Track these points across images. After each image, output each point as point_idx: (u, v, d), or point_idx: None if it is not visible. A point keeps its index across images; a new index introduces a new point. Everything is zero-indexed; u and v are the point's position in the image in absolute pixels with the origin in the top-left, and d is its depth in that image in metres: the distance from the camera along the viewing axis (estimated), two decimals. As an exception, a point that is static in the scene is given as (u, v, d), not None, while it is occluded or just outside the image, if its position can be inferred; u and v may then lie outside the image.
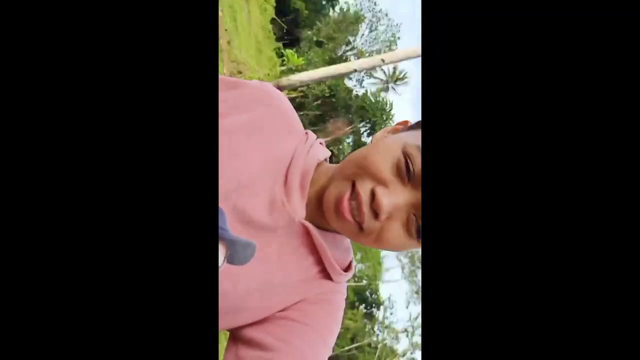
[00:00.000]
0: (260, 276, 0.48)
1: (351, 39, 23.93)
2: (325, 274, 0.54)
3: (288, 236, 0.50)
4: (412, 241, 0.47)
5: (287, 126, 0.55)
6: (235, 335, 0.50)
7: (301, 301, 0.52)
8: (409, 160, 0.44)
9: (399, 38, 24.44)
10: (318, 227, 0.51)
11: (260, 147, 0.51)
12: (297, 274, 0.52)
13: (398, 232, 0.46)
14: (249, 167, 0.49)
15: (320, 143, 0.56)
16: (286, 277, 0.51)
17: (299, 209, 0.50)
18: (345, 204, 0.45)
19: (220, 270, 0.35)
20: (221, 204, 0.42)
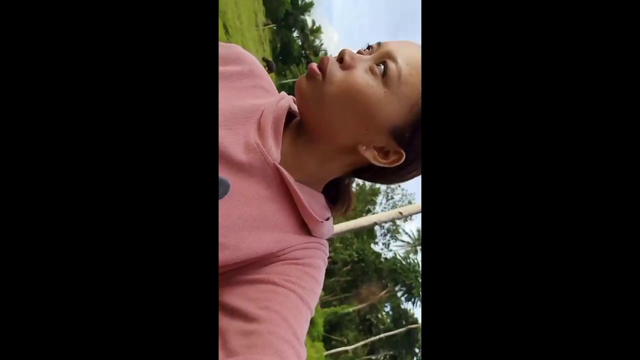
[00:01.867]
0: (237, 211, 0.49)
1: (371, 207, 25.64)
2: (304, 228, 0.54)
3: (264, 179, 0.50)
4: (376, 81, 0.48)
5: (259, 85, 0.58)
6: (221, 302, 0.49)
7: (281, 261, 0.51)
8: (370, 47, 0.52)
9: (414, 200, 26.12)
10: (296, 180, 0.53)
11: (235, 96, 0.54)
12: (274, 219, 0.51)
13: (361, 73, 0.48)
14: (225, 110, 0.52)
15: (294, 100, 0.57)
16: (264, 219, 0.51)
17: (273, 152, 0.50)
18: (314, 65, 0.49)
19: None
20: None
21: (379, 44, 0.52)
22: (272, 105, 0.53)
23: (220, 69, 0.55)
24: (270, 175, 0.50)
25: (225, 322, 0.45)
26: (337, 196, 0.61)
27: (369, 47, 0.53)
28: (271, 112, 0.52)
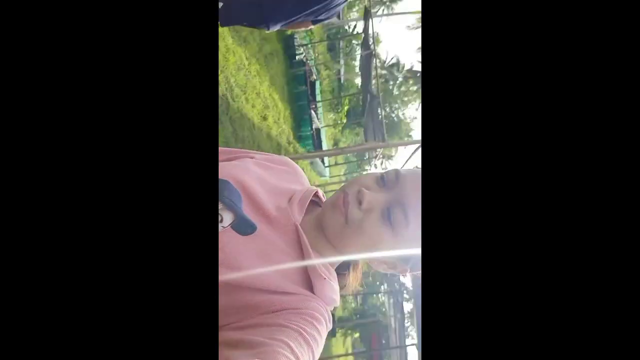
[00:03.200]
0: (255, 247, 0.55)
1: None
2: (308, 285, 0.58)
3: (284, 235, 0.58)
4: (386, 228, 0.56)
5: (299, 181, 0.72)
6: (222, 341, 0.50)
7: (285, 309, 0.53)
8: (384, 176, 0.60)
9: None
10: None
11: (277, 179, 0.68)
12: (281, 262, 0.56)
13: (375, 221, 0.56)
14: (270, 185, 0.65)
15: (322, 194, 0.69)
16: (272, 259, 0.56)
17: (296, 215, 0.60)
18: (341, 198, 0.59)
19: (221, 228, 0.52)
20: (243, 193, 0.58)
21: (396, 174, 0.59)
22: (303, 189, 0.67)
23: (270, 164, 0.71)
24: (289, 233, 0.59)
25: (227, 354, 0.45)
26: (349, 271, 0.69)
27: (382, 178, 0.61)
28: (301, 192, 0.65)
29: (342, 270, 0.68)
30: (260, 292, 0.53)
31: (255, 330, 0.49)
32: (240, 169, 0.64)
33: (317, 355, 0.51)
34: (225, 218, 0.52)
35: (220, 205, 0.52)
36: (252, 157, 0.72)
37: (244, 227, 0.52)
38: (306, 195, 0.64)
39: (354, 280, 0.70)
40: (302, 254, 0.58)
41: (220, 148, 0.74)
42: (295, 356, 0.45)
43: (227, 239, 0.54)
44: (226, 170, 0.62)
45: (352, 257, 0.63)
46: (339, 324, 17.40)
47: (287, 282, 0.55)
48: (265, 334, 0.48)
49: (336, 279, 0.62)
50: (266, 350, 0.44)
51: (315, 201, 0.68)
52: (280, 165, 0.73)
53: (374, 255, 0.60)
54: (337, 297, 0.61)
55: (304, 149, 8.46)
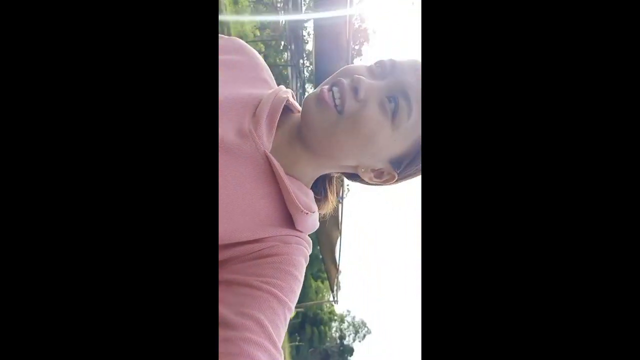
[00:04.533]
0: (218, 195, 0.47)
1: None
2: (287, 222, 0.53)
3: (253, 167, 0.49)
4: (386, 120, 0.49)
5: (260, 76, 0.58)
6: None
7: (258, 258, 0.49)
8: (377, 64, 0.51)
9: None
10: (285, 171, 0.52)
11: (233, 84, 0.54)
12: (256, 207, 0.50)
13: (374, 110, 0.48)
14: (223, 97, 0.51)
15: (293, 96, 0.58)
16: (240, 205, 0.49)
17: (265, 141, 0.50)
18: (326, 91, 0.48)
19: None
20: None
21: (392, 63, 0.51)
22: (270, 96, 0.52)
23: (221, 57, 0.55)
24: (259, 163, 0.50)
25: None
26: (325, 191, 0.61)
27: (375, 67, 0.52)
28: (268, 103, 0.51)
29: (317, 190, 0.59)
30: (231, 246, 0.48)
31: (228, 295, 0.45)
32: None
33: (295, 302, 0.49)
34: None
35: None
36: None
37: None
38: (274, 107, 0.52)
39: (331, 198, 0.61)
40: (275, 184, 0.51)
41: None
42: (266, 334, 0.43)
43: None
44: None
45: (339, 162, 0.53)
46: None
47: (261, 228, 0.50)
48: (237, 304, 0.44)
49: (314, 200, 0.55)
50: (234, 338, 0.41)
51: (286, 108, 0.55)
52: (233, 54, 0.57)
53: (365, 160, 0.51)
54: (317, 221, 0.55)
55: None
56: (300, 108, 0.56)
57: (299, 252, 0.52)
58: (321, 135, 0.50)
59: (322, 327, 42.03)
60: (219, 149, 0.48)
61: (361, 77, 0.49)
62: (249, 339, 0.42)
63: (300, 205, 0.51)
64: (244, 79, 0.56)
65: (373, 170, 0.54)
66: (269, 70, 0.60)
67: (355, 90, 0.49)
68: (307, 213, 0.52)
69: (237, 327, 0.42)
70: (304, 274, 0.52)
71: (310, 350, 41.18)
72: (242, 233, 0.49)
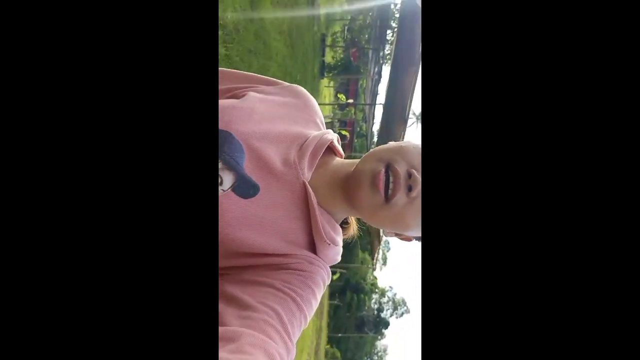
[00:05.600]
0: (255, 211, 0.52)
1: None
2: (312, 248, 0.56)
3: (291, 194, 0.55)
4: (417, 207, 0.52)
5: (312, 119, 0.64)
6: (221, 290, 0.50)
7: (284, 269, 0.53)
8: None
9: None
10: (319, 204, 0.56)
11: (287, 121, 0.60)
12: (286, 228, 0.55)
13: (417, 209, 0.52)
14: (275, 129, 0.57)
15: (338, 140, 0.62)
16: (274, 223, 0.54)
17: (306, 172, 0.55)
18: (382, 176, 0.52)
19: (221, 192, 0.44)
20: (246, 147, 0.50)
21: None
22: (317, 136, 0.59)
23: (279, 99, 0.63)
24: (297, 190, 0.55)
25: (221, 307, 0.47)
26: (348, 217, 0.66)
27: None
28: (314, 142, 0.58)
29: (344, 222, 0.65)
30: (261, 256, 0.54)
31: (251, 289, 0.50)
32: (243, 113, 0.57)
33: (311, 316, 0.52)
34: (225, 180, 0.44)
35: (220, 164, 0.43)
36: (257, 89, 0.64)
37: (245, 189, 0.45)
38: (319, 146, 0.57)
39: (355, 227, 0.67)
40: (307, 212, 0.56)
41: (221, 70, 0.66)
42: (282, 325, 0.46)
43: (227, 204, 0.51)
44: (227, 114, 0.55)
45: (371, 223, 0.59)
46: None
47: (289, 246, 0.55)
48: (259, 296, 0.48)
49: (341, 235, 0.61)
50: (254, 316, 0.45)
51: (329, 149, 0.60)
52: (291, 98, 0.64)
53: (393, 230, 0.57)
54: (339, 256, 0.60)
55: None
56: (342, 153, 0.63)
57: (320, 275, 0.56)
58: (364, 210, 0.56)
59: (362, 296, 42.80)
60: (267, 172, 0.54)
61: (418, 177, 0.52)
62: (267, 321, 0.45)
63: (324, 236, 0.55)
64: (297, 118, 0.62)
65: (396, 234, 0.60)
66: (322, 117, 0.67)
67: (409, 187, 0.52)
68: (329, 244, 0.56)
69: (258, 310, 0.46)
70: (321, 295, 0.56)
71: (347, 314, 42.52)
72: (271, 246, 0.54)
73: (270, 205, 0.54)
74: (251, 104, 0.59)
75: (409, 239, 0.61)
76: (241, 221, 0.53)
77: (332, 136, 0.61)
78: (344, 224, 0.66)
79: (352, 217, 0.66)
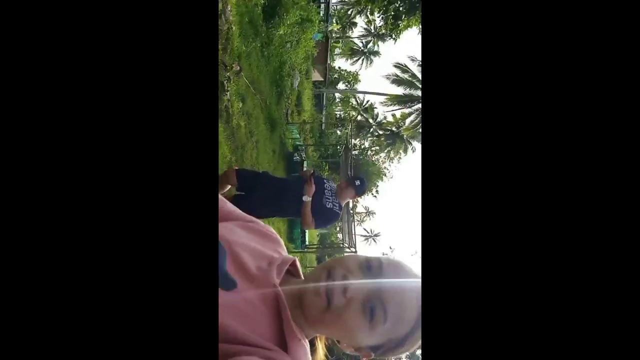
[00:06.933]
0: (229, 303, 0.56)
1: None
2: (282, 346, 0.59)
3: (262, 294, 0.61)
4: (365, 321, 0.57)
5: (277, 251, 0.75)
6: None
7: (253, 355, 0.54)
8: (369, 263, 0.61)
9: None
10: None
11: (258, 244, 0.72)
12: (256, 324, 0.58)
13: (356, 311, 0.57)
14: (250, 244, 0.70)
15: (297, 262, 0.71)
16: (249, 320, 0.58)
17: (274, 277, 0.64)
18: (322, 282, 0.60)
19: None
20: (228, 251, 0.62)
21: (379, 264, 0.61)
22: (281, 257, 0.71)
23: (257, 229, 0.77)
24: (268, 293, 0.62)
25: None
26: (315, 340, 0.71)
27: (367, 264, 0.62)
28: (280, 259, 0.70)
29: (311, 341, 0.68)
30: (235, 344, 0.56)
31: None
32: (227, 230, 0.69)
33: None
34: None
35: None
36: (237, 221, 0.77)
37: (225, 283, 0.51)
38: (284, 262, 0.68)
39: (321, 349, 0.71)
40: (278, 315, 0.60)
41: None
42: None
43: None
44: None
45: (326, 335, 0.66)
46: None
47: (262, 340, 0.58)
48: None
49: (308, 344, 0.64)
50: None
51: (291, 270, 0.70)
52: (264, 230, 0.78)
53: (346, 341, 0.62)
54: (308, 356, 0.62)
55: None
56: (301, 274, 0.72)
57: None
58: (311, 317, 0.61)
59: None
60: (242, 274, 0.62)
61: (350, 280, 0.59)
62: None
63: (295, 331, 0.59)
64: (268, 246, 0.75)
65: (353, 347, 0.63)
66: (285, 250, 0.79)
67: (344, 290, 0.58)
68: (300, 339, 0.60)
69: None
70: None
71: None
72: (246, 338, 0.56)
73: (246, 302, 0.60)
74: (233, 226, 0.72)
75: (369, 355, 0.64)
76: (221, 309, 0.56)
77: (292, 259, 0.71)
78: (312, 346, 0.70)
79: (318, 340, 0.72)
